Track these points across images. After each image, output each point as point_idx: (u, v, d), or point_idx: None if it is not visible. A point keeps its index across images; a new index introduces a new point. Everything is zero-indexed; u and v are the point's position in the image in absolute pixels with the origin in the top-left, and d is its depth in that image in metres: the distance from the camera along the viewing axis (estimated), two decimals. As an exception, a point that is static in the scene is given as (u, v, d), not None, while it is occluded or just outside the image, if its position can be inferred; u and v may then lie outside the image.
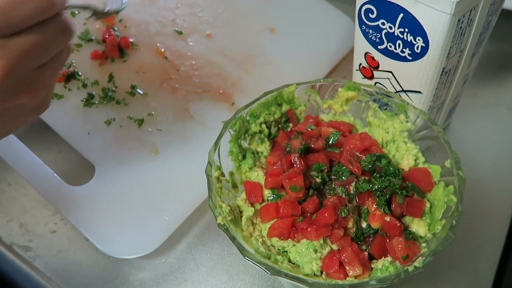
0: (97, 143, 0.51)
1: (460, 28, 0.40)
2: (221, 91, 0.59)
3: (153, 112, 0.55)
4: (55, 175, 0.49)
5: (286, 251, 0.40)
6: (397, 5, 0.41)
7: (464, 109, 0.58)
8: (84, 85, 0.55)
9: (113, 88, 0.56)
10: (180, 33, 0.64)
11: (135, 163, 0.50)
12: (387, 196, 0.40)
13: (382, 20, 0.44)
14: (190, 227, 0.51)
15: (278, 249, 0.40)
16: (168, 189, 0.49)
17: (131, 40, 0.61)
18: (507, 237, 0.47)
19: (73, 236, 0.51)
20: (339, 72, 0.66)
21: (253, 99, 0.57)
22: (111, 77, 0.56)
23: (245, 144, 0.48)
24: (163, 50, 0.61)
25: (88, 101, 0.54)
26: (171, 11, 0.66)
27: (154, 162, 0.51)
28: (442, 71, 0.44)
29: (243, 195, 0.44)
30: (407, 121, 0.47)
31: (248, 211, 0.42)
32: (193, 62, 0.61)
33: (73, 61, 0.57)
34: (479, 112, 0.59)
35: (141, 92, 0.57)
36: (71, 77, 0.56)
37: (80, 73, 0.56)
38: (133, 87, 0.57)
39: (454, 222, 0.36)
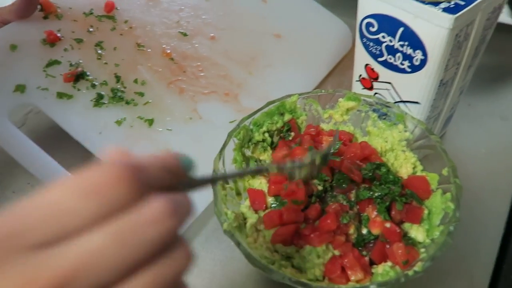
0: (109, 143, 0.52)
1: (458, 42, 0.42)
2: (226, 92, 0.61)
3: (162, 112, 0.56)
4: (70, 174, 0.48)
5: (290, 257, 0.41)
6: (398, 19, 0.43)
7: (459, 119, 0.60)
8: (93, 85, 0.55)
9: (122, 89, 0.56)
10: (185, 34, 0.65)
11: None
12: (387, 203, 0.42)
13: (382, 34, 0.46)
14: (193, 234, 0.52)
15: (282, 255, 0.41)
16: None
17: (138, 41, 0.61)
18: (502, 243, 0.48)
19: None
20: (335, 76, 0.70)
21: (257, 99, 0.59)
22: (118, 78, 0.57)
23: (248, 152, 0.49)
24: (169, 51, 0.62)
25: (98, 101, 0.54)
26: (175, 13, 0.67)
27: None
28: (440, 83, 0.45)
29: (247, 202, 0.46)
30: (405, 131, 0.48)
31: (252, 218, 0.43)
32: (199, 64, 0.63)
33: (80, 60, 0.57)
34: (474, 122, 0.61)
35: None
36: (79, 77, 0.55)
37: (88, 73, 0.56)
38: (143, 82, 0.58)
39: (451, 228, 0.38)
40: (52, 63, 0.55)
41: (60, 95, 0.53)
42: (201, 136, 0.55)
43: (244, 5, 0.72)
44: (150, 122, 0.55)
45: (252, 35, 0.69)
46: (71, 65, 0.56)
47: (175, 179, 0.24)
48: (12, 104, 0.51)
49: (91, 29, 0.60)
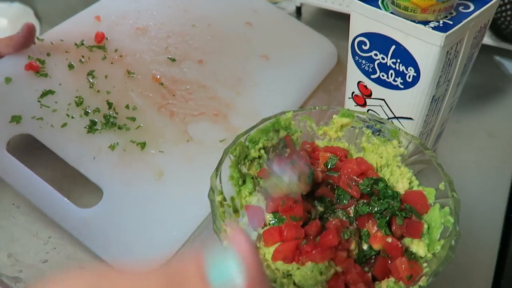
0: (103, 167, 0.52)
1: (448, 59, 0.43)
2: (215, 113, 0.62)
3: (154, 135, 0.57)
4: (65, 199, 0.49)
5: (291, 275, 0.40)
6: (390, 38, 0.44)
7: (449, 135, 0.61)
8: (86, 113, 0.56)
9: (114, 115, 0.57)
10: (173, 60, 0.66)
11: (141, 185, 0.52)
12: (387, 218, 0.42)
13: (375, 52, 0.47)
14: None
15: (283, 273, 0.40)
16: (173, 207, 0.51)
17: (128, 69, 0.63)
18: (498, 256, 0.49)
19: (67, 265, 0.49)
20: (322, 92, 0.72)
21: (246, 118, 0.60)
22: (110, 104, 0.58)
23: (244, 169, 0.49)
24: (158, 77, 0.64)
25: (91, 127, 0.55)
26: (163, 40, 0.69)
27: (159, 183, 0.53)
28: (432, 99, 0.46)
29: (245, 220, 0.45)
30: (399, 146, 0.49)
31: (251, 235, 0.42)
32: (188, 87, 0.64)
33: (77, 90, 0.58)
34: (463, 138, 0.63)
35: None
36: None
37: (82, 101, 0.58)
38: (134, 108, 0.59)
39: (453, 242, 0.38)
40: (46, 93, 0.56)
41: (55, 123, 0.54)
42: (192, 157, 0.56)
43: (229, 28, 0.74)
44: (143, 145, 0.55)
45: (239, 57, 0.70)
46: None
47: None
48: (8, 135, 0.52)
49: (82, 59, 0.61)
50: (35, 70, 0.57)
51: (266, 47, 0.73)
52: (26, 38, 0.58)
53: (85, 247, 0.51)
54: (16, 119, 0.53)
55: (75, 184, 0.52)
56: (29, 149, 0.54)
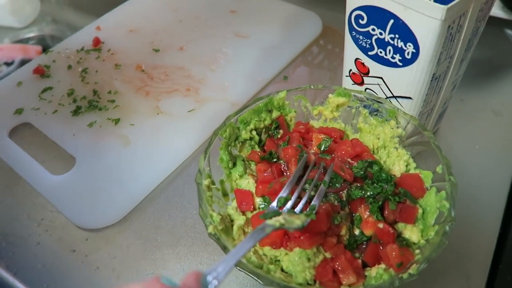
0: (80, 140, 0.59)
1: (450, 34, 0.40)
2: (188, 88, 0.66)
3: (128, 112, 0.63)
4: (42, 167, 0.56)
5: (279, 260, 0.39)
6: (388, 11, 0.41)
7: (452, 115, 0.59)
8: (75, 100, 0.65)
9: (97, 99, 0.65)
10: (157, 50, 0.73)
11: (108, 153, 0.58)
12: (380, 203, 0.40)
13: (372, 26, 0.44)
14: (179, 236, 0.50)
15: (271, 258, 0.39)
16: (134, 170, 0.55)
17: (116, 63, 0.71)
18: (498, 242, 0.47)
19: (58, 248, 0.49)
20: (323, 69, 0.69)
21: (215, 90, 0.65)
22: (95, 92, 0.66)
23: (235, 151, 0.48)
24: (141, 65, 0.70)
25: (76, 111, 0.63)
26: (151, 36, 0.76)
27: (125, 151, 0.58)
28: (432, 77, 0.44)
29: (234, 203, 0.44)
30: (397, 127, 0.47)
31: (240, 220, 0.41)
32: (166, 70, 0.69)
33: (71, 84, 0.68)
34: (467, 118, 0.60)
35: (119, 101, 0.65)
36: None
37: (73, 93, 0.66)
38: (115, 92, 0.66)
39: (447, 228, 0.36)
40: (46, 89, 0.67)
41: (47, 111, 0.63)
42: (160, 127, 0.61)
43: (214, 17, 0.79)
44: (117, 121, 0.62)
45: (219, 40, 0.74)
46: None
47: None
48: (11, 124, 0.62)
49: (80, 61, 0.72)
50: (41, 73, 0.70)
51: (248, 28, 0.76)
52: None
53: (76, 229, 0.51)
54: (19, 111, 0.63)
55: (55, 156, 0.58)
56: (26, 134, 0.62)
